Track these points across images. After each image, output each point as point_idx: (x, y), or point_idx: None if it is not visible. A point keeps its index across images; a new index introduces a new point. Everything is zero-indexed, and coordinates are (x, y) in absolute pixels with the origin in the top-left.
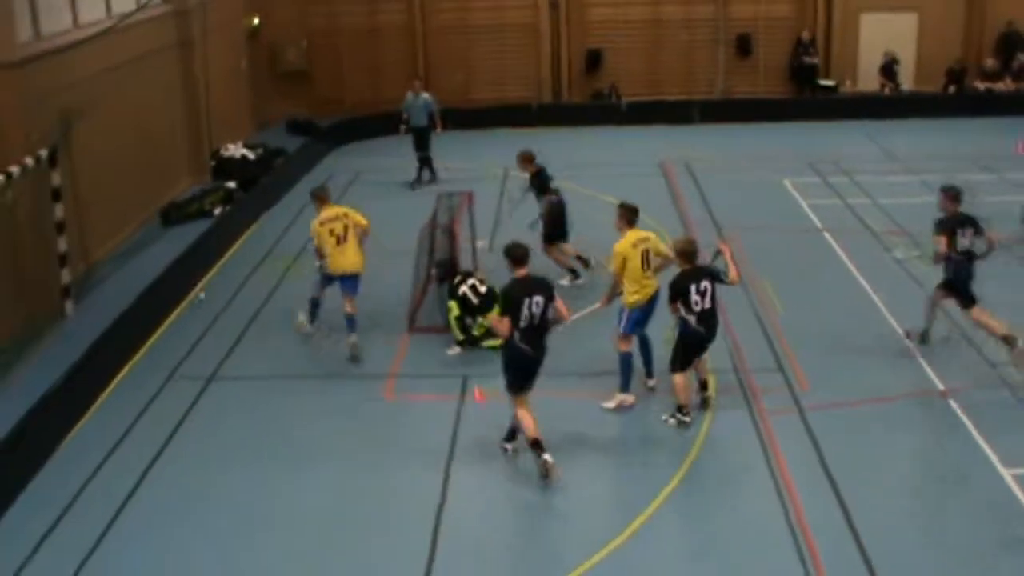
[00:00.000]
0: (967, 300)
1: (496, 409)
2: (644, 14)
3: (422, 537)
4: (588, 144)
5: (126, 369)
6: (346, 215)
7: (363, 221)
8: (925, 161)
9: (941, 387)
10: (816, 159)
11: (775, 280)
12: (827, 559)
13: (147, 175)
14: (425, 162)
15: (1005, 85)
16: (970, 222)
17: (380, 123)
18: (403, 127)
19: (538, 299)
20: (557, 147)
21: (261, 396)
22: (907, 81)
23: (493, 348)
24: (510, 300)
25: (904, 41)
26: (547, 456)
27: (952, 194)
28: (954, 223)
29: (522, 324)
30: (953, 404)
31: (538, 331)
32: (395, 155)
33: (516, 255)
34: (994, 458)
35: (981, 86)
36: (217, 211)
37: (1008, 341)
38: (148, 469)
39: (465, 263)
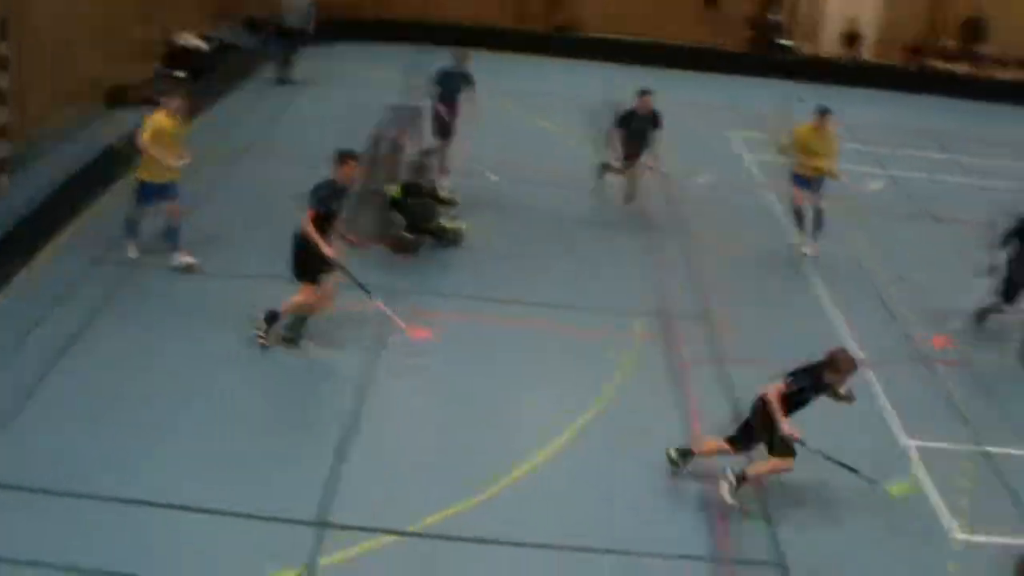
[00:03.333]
0: None
1: (429, 327)
2: None
3: (330, 446)
4: (548, 73)
5: (49, 249)
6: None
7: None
8: (872, 131)
9: (859, 355)
10: (766, 115)
11: (710, 232)
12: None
13: (96, 56)
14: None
15: (962, 68)
16: None
17: (344, 27)
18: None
19: None
20: (519, 73)
21: (188, 288)
22: (867, 52)
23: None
24: None
25: (869, 11)
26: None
27: None
28: None
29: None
30: (868, 372)
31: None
32: (355, 61)
33: None
34: (899, 429)
35: (940, 66)
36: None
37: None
38: (57, 360)
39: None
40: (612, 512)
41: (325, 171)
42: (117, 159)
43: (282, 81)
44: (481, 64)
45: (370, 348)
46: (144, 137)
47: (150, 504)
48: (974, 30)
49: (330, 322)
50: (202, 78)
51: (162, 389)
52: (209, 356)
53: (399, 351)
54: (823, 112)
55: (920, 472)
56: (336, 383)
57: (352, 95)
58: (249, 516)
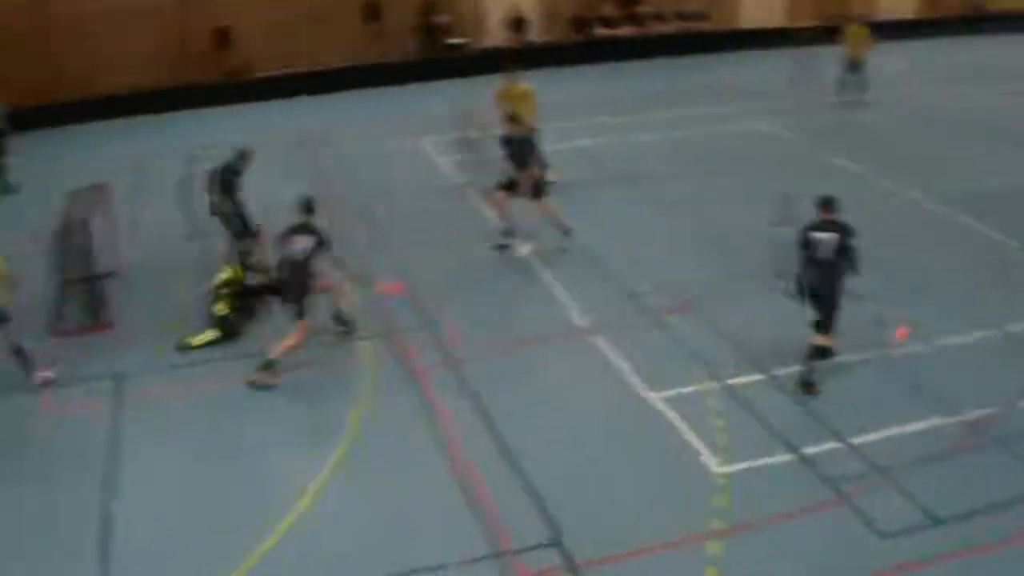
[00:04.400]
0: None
1: (158, 406)
2: None
3: (90, 553)
4: (224, 124)
5: None
6: None
7: None
8: (553, 109)
9: (585, 324)
10: (452, 116)
11: (415, 243)
12: (501, 507)
13: None
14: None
15: (625, 31)
16: None
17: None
18: None
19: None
20: (192, 129)
21: None
22: (534, 33)
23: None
24: None
25: None
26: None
27: None
28: None
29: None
30: (598, 339)
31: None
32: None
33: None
34: (642, 385)
35: (603, 32)
36: None
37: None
38: None
39: (106, 259)
40: (390, 536)
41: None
42: None
43: (5, 191)
44: (160, 125)
45: (104, 435)
46: None
47: None
48: None
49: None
50: None
51: None
52: None
53: (137, 432)
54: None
55: (675, 419)
56: (81, 478)
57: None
58: None
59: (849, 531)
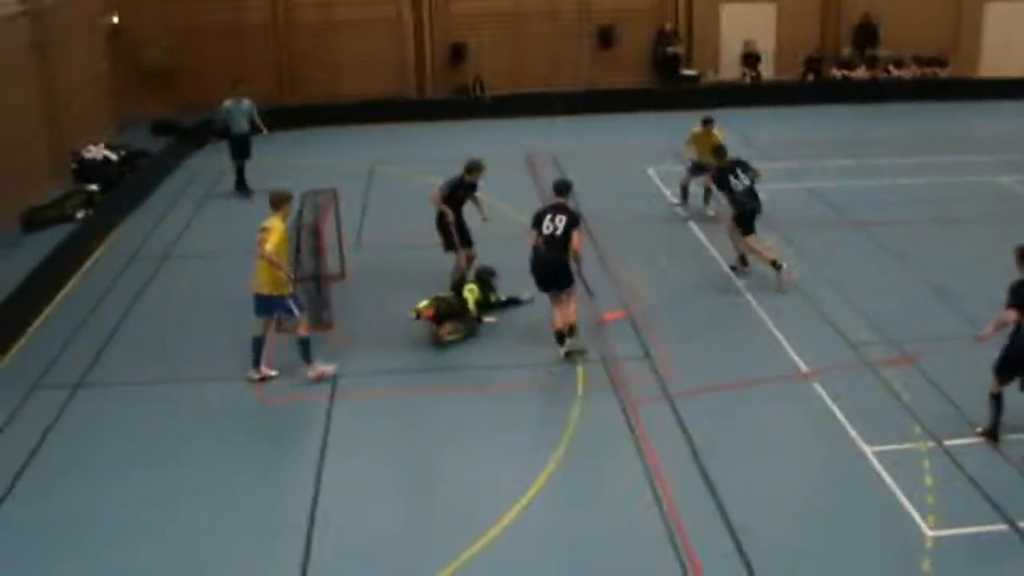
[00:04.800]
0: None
1: (367, 407)
2: (507, 7)
3: (296, 539)
4: (453, 138)
5: None
6: (264, 229)
7: (268, 242)
8: (784, 148)
9: (804, 369)
10: (679, 148)
11: (639, 269)
12: (699, 546)
13: (4, 180)
14: (241, 171)
15: (860, 73)
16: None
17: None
18: (214, 137)
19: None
20: (423, 142)
21: (131, 403)
22: (767, 70)
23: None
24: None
25: (763, 31)
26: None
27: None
28: None
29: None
30: (816, 385)
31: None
32: (261, 153)
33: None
34: (856, 435)
35: (838, 74)
36: (80, 215)
37: (774, 265)
38: (14, 483)
39: (331, 261)
40: (586, 563)
41: (248, 264)
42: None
43: (244, 192)
44: (391, 135)
45: (316, 433)
46: (271, 244)
47: None
48: (866, 34)
49: (273, 412)
50: (114, 189)
51: (129, 500)
52: (165, 465)
53: (346, 433)
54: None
55: (887, 476)
56: (290, 473)
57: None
58: None
59: None
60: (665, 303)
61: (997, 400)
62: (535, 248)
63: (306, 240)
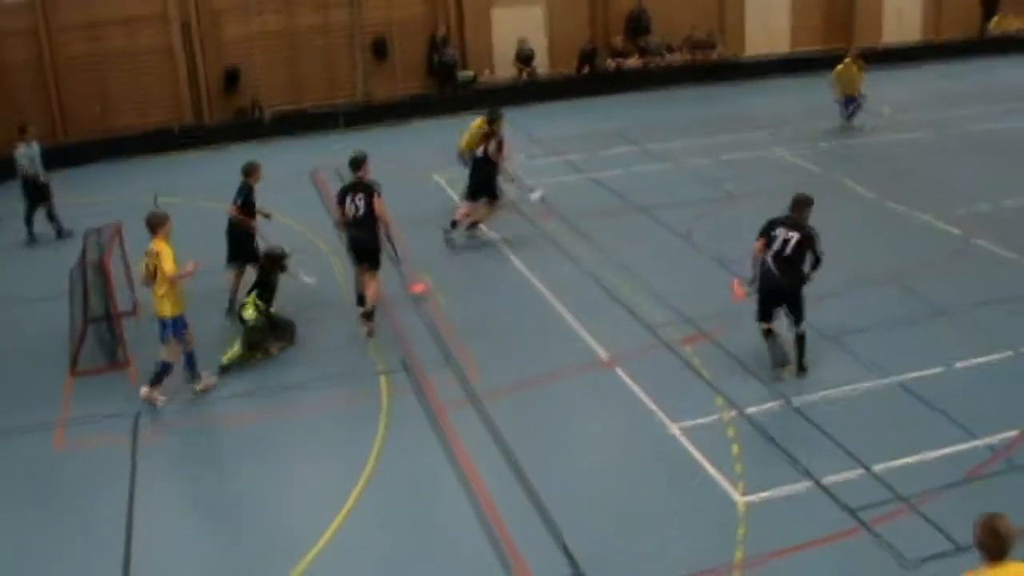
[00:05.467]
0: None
1: (172, 440)
2: (278, 24)
3: None
4: (235, 162)
5: None
6: (157, 255)
7: (167, 267)
8: (566, 141)
9: (604, 356)
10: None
11: (434, 274)
12: (520, 544)
13: None
14: (52, 214)
15: (634, 61)
16: None
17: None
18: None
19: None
20: (206, 169)
21: None
22: (542, 66)
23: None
24: None
25: (535, 29)
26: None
27: None
28: None
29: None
30: (618, 371)
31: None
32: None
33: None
34: (662, 415)
35: (612, 64)
36: None
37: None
38: None
39: (123, 299)
40: (410, 571)
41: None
42: None
43: (60, 234)
44: (171, 164)
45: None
46: (170, 268)
47: None
48: (638, 23)
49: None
50: None
51: None
52: None
53: (154, 470)
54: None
55: (695, 449)
56: (99, 519)
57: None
58: None
59: (872, 560)
60: (461, 308)
61: (768, 334)
62: (347, 227)
63: (93, 279)
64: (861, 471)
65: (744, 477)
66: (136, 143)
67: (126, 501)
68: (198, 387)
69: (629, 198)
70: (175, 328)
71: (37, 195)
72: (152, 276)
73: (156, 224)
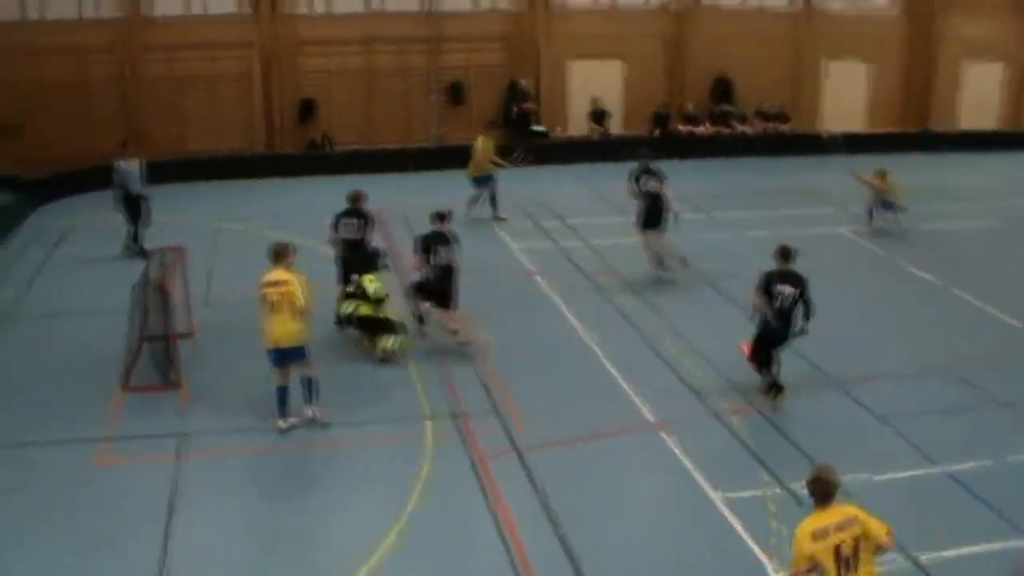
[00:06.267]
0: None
1: (215, 467)
2: (357, 64)
3: None
4: (302, 194)
5: None
6: (279, 283)
7: (300, 299)
8: (628, 203)
9: (652, 420)
10: (527, 203)
11: (488, 324)
12: None
13: None
14: (137, 232)
15: (705, 128)
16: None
17: (91, 177)
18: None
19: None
20: (271, 198)
21: None
22: (615, 126)
23: None
24: None
25: (610, 87)
26: None
27: None
28: None
29: None
30: (664, 436)
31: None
32: (106, 211)
33: None
34: (704, 484)
35: (683, 129)
36: None
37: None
38: None
39: (180, 320)
40: None
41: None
42: None
43: (141, 253)
44: (239, 191)
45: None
46: (304, 301)
47: None
48: (722, 90)
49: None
50: None
51: None
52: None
53: (193, 493)
54: None
55: (736, 521)
56: (135, 538)
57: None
58: None
59: None
60: (512, 360)
61: (760, 367)
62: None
63: (153, 298)
64: (908, 562)
65: (780, 554)
66: (207, 167)
67: (163, 522)
68: (311, 413)
69: (690, 264)
70: (294, 356)
71: (133, 211)
72: (274, 306)
73: (280, 254)
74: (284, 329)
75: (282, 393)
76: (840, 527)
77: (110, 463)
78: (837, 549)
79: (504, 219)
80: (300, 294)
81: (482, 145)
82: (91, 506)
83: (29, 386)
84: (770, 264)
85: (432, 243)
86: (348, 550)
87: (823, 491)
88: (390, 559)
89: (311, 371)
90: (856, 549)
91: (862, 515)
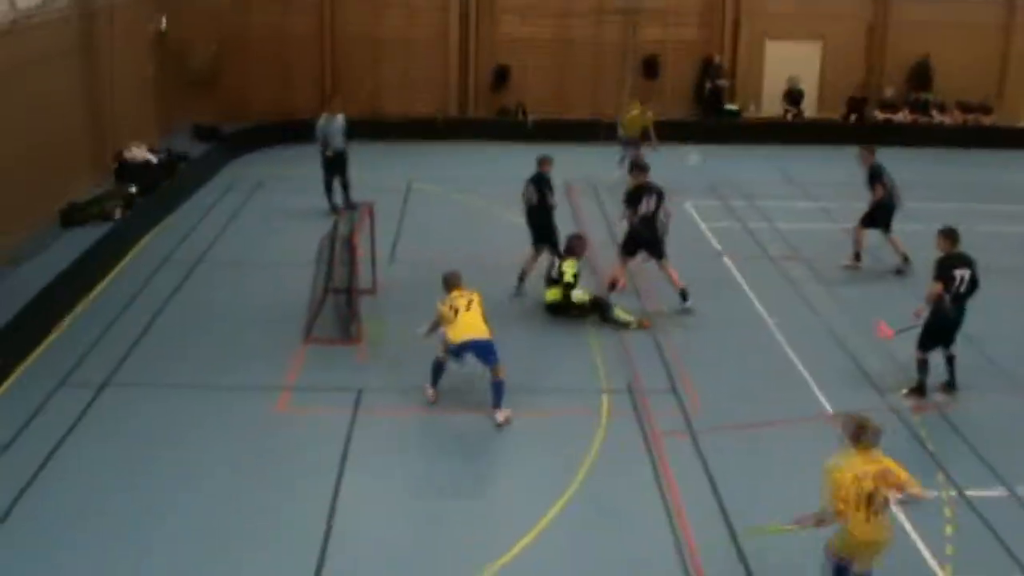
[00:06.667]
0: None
1: (389, 424)
2: (553, 33)
3: (310, 553)
4: (492, 160)
5: (15, 375)
6: (472, 295)
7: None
8: (824, 187)
9: (829, 411)
10: (718, 182)
11: (672, 303)
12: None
13: (46, 176)
14: (346, 188)
15: (903, 116)
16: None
17: (286, 131)
18: (328, 154)
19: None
20: (462, 161)
21: (154, 406)
22: (809, 108)
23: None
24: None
25: (808, 68)
26: None
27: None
28: None
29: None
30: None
31: None
32: (299, 164)
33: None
34: None
35: (880, 116)
36: (118, 215)
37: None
38: (29, 484)
39: (364, 277)
40: None
41: (280, 274)
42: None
43: (350, 206)
44: (432, 153)
45: (336, 447)
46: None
47: None
48: (920, 76)
49: (293, 423)
50: (153, 191)
51: (138, 506)
52: (182, 473)
53: (366, 448)
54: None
55: (905, 521)
56: (308, 486)
57: (303, 198)
58: None
59: None
60: (694, 340)
61: (924, 364)
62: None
63: (340, 253)
64: None
65: (953, 560)
66: (400, 128)
67: (335, 473)
68: (499, 417)
69: (877, 255)
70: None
71: (329, 167)
72: (468, 305)
73: (453, 282)
74: (476, 324)
75: (440, 366)
76: (878, 476)
77: (290, 412)
78: (871, 496)
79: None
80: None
81: (639, 113)
82: (269, 451)
83: (216, 331)
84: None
85: (640, 195)
86: (511, 519)
87: (863, 436)
88: (552, 532)
89: (501, 374)
90: (886, 499)
91: (894, 466)
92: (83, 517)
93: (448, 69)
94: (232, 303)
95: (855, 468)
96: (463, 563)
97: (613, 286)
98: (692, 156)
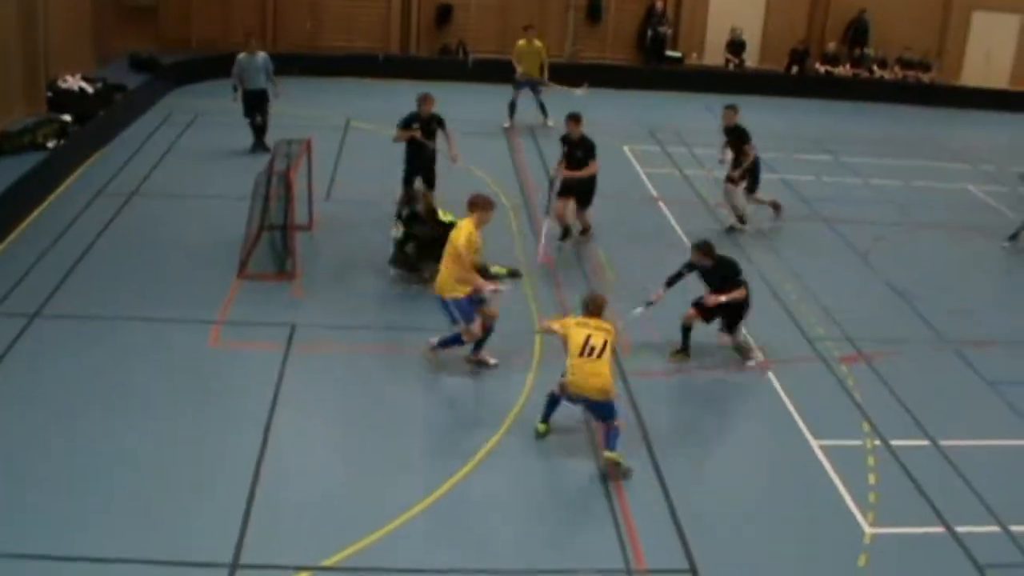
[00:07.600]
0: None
1: (322, 360)
2: None
3: (241, 487)
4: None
5: None
6: (608, 330)
7: (460, 242)
8: (763, 139)
9: (760, 358)
10: (657, 128)
11: (608, 247)
12: (642, 529)
13: None
14: (261, 130)
15: (844, 70)
16: None
17: (225, 64)
18: (234, 94)
19: None
20: (402, 99)
21: (85, 337)
22: (752, 59)
23: None
24: None
25: (751, 19)
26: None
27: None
28: None
29: None
30: (771, 376)
31: None
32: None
33: None
34: (804, 429)
35: (822, 69)
36: (51, 144)
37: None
38: None
39: (300, 213)
40: (526, 533)
41: (216, 208)
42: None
43: (258, 148)
44: (371, 91)
45: (269, 381)
46: (461, 244)
47: (66, 559)
48: (858, 31)
49: (226, 357)
50: (88, 121)
51: (69, 437)
52: (114, 404)
53: (299, 383)
54: None
55: (832, 470)
56: (240, 420)
57: (241, 133)
58: (165, 563)
59: None
60: (631, 285)
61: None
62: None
63: (276, 188)
64: (997, 528)
65: (876, 508)
66: (340, 64)
67: (268, 407)
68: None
69: (815, 206)
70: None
71: (248, 106)
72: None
73: (475, 205)
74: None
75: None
76: (598, 327)
77: (223, 346)
78: (588, 338)
79: (551, 126)
80: (462, 241)
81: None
82: (202, 384)
83: (150, 264)
84: (889, 213)
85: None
86: (447, 456)
87: (596, 306)
88: (486, 466)
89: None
90: (603, 347)
91: (613, 331)
92: (11, 449)
93: (390, 6)
94: (167, 236)
95: (578, 318)
96: (394, 498)
97: (567, 231)
98: (578, 91)
